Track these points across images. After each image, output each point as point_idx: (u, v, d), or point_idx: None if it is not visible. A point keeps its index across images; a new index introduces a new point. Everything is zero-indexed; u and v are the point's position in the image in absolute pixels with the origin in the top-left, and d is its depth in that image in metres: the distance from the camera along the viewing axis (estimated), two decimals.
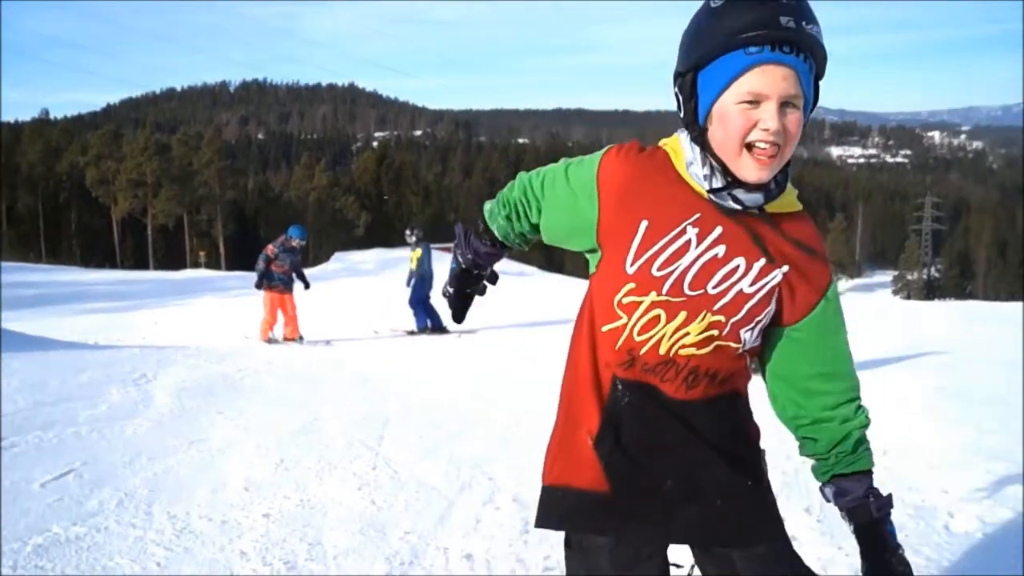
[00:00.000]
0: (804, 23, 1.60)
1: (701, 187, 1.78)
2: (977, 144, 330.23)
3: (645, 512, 1.89)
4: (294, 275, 14.27)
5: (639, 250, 1.79)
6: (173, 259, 75.22)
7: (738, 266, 1.78)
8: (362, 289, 25.92)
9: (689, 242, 1.77)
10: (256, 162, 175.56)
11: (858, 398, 1.91)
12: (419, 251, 15.20)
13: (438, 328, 14.86)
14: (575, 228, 1.93)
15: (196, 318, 19.50)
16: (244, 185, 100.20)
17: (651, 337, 1.82)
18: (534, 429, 7.06)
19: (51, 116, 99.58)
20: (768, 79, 1.62)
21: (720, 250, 1.77)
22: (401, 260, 31.29)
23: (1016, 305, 23.94)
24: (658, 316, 1.80)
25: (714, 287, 1.78)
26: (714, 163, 1.74)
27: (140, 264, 74.34)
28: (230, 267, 64.76)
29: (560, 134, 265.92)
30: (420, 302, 15.03)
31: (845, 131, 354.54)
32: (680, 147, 1.83)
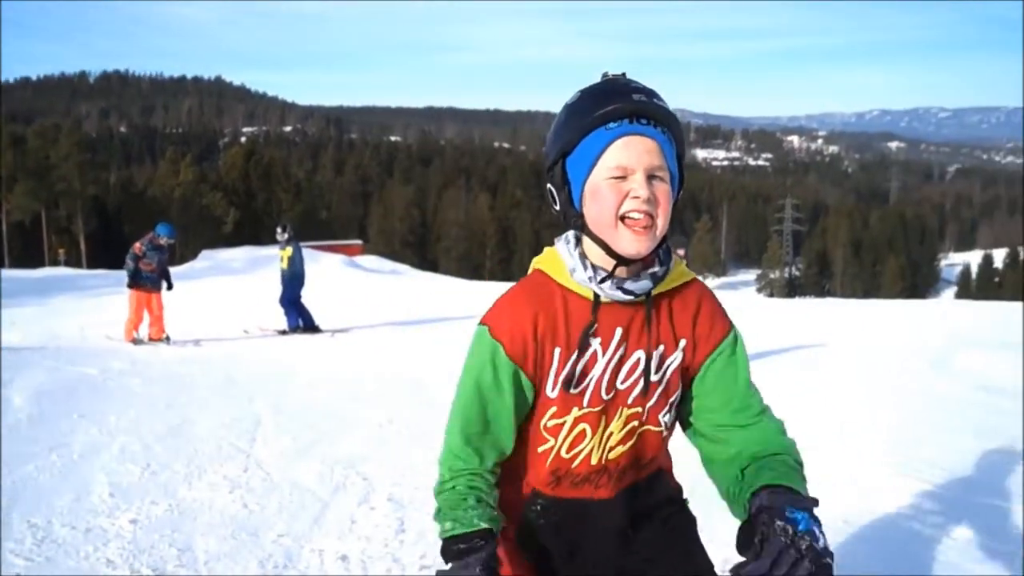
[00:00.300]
0: (654, 99, 1.73)
1: (588, 291, 1.83)
2: (833, 148, 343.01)
3: None
4: (162, 274, 13.88)
5: (555, 376, 1.85)
6: (30, 256, 72.35)
7: (639, 359, 1.86)
8: (231, 288, 25.38)
9: (595, 353, 1.84)
10: (119, 156, 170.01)
11: (758, 419, 1.90)
12: (289, 249, 14.94)
13: (310, 327, 14.65)
14: (515, 396, 1.87)
15: (55, 318, 18.81)
16: (106, 180, 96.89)
17: (580, 451, 1.90)
18: (408, 428, 7.05)
19: None
20: (632, 151, 1.71)
21: (621, 349, 1.85)
22: (271, 258, 30.77)
23: (873, 303, 24.84)
24: (583, 431, 1.88)
25: (622, 383, 1.87)
26: (593, 263, 1.81)
27: None
28: (91, 265, 62.65)
29: (432, 132, 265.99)
30: (292, 301, 14.76)
31: (709, 134, 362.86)
32: (558, 258, 1.88)
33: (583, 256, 1.82)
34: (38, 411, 7.33)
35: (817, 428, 7.00)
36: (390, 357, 11.55)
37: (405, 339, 13.43)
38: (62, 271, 43.71)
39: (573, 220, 1.81)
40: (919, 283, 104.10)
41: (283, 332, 14.61)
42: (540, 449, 1.91)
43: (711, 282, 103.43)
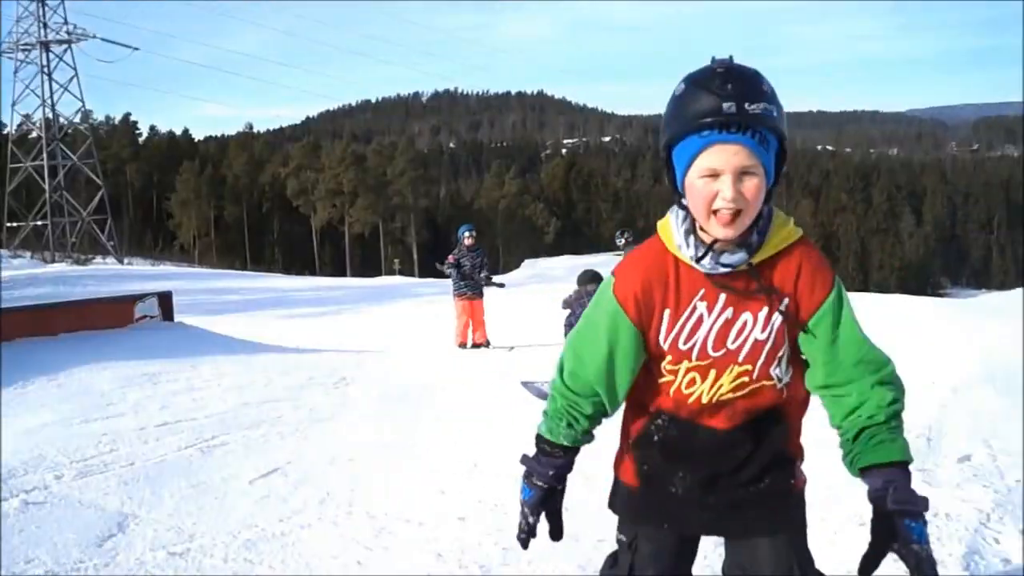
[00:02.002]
0: (746, 104, 1.88)
1: (690, 261, 2.06)
2: None
3: (664, 509, 2.26)
4: (481, 277, 14.29)
5: (666, 333, 2.11)
6: (369, 266, 77.78)
7: (746, 321, 2.08)
8: (553, 295, 26.02)
9: (701, 316, 2.09)
10: (448, 170, 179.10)
11: (887, 381, 2.10)
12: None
13: None
14: (625, 345, 2.15)
15: (392, 324, 20.02)
16: (436, 194, 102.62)
17: (693, 391, 2.13)
18: None
19: (254, 130, 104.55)
20: (720, 156, 1.91)
21: (728, 312, 2.08)
22: (591, 267, 31.29)
23: None
24: (694, 378, 2.12)
25: (733, 343, 2.09)
26: (695, 238, 2.05)
27: (338, 271, 77.14)
28: (423, 274, 66.34)
29: None
30: None
31: None
32: (670, 229, 2.12)
33: (688, 232, 2.06)
34: (377, 410, 7.79)
35: None
36: None
37: None
38: (398, 280, 46.70)
39: (677, 200, 2.07)
40: None
41: None
42: (662, 381, 2.17)
43: None
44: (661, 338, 2.11)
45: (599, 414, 2.26)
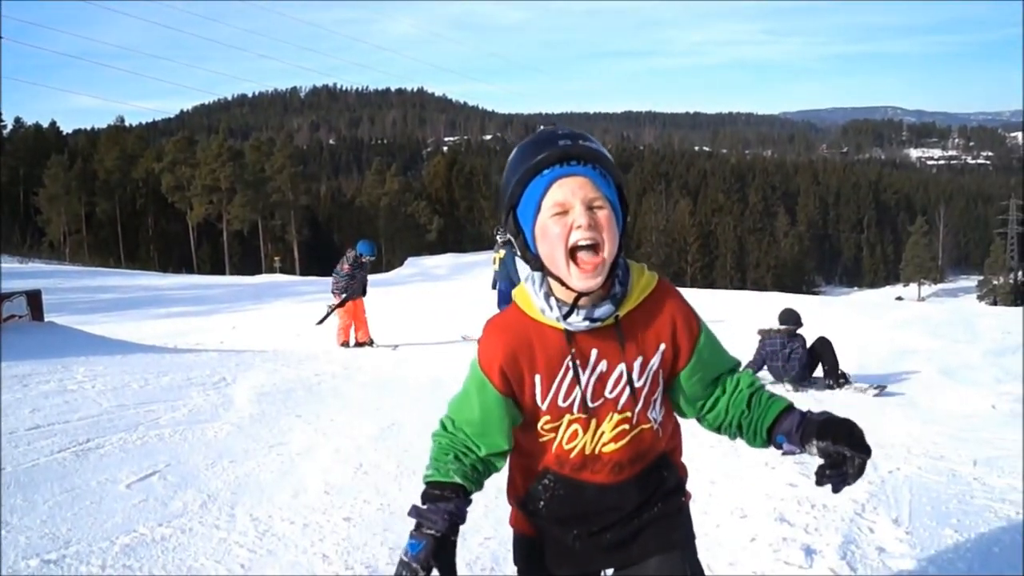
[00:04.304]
0: (580, 140, 1.96)
1: (558, 324, 2.06)
2: None
3: (562, 556, 2.26)
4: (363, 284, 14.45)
5: (542, 395, 2.11)
6: (248, 264, 76.42)
7: (621, 372, 2.10)
8: (435, 293, 26.04)
9: (576, 374, 2.08)
10: (328, 167, 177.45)
11: (733, 370, 2.24)
12: (503, 252, 15.22)
13: None
14: (497, 412, 2.14)
15: (272, 322, 19.76)
16: (316, 191, 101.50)
17: (575, 445, 2.15)
18: None
19: (126, 123, 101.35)
20: (567, 189, 1.94)
21: (603, 365, 2.09)
22: (474, 265, 31.43)
23: None
24: (576, 431, 2.14)
25: (611, 392, 2.11)
26: (556, 298, 2.05)
27: (216, 269, 75.62)
28: (304, 272, 65.63)
29: (630, 137, 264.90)
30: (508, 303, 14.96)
31: (923, 132, 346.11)
32: (527, 297, 2.13)
33: (548, 295, 2.06)
34: (259, 411, 7.69)
35: None
36: None
37: None
38: (278, 278, 46.06)
39: (532, 262, 2.05)
40: None
41: None
42: (542, 440, 2.17)
43: (927, 289, 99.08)
44: (538, 400, 2.11)
45: (488, 457, 2.20)
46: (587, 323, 2.03)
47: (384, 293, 14.75)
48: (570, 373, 2.08)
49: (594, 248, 1.94)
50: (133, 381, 8.64)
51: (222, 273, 67.97)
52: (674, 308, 2.14)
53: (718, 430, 2.25)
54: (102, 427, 6.71)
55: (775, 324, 10.43)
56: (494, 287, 15.62)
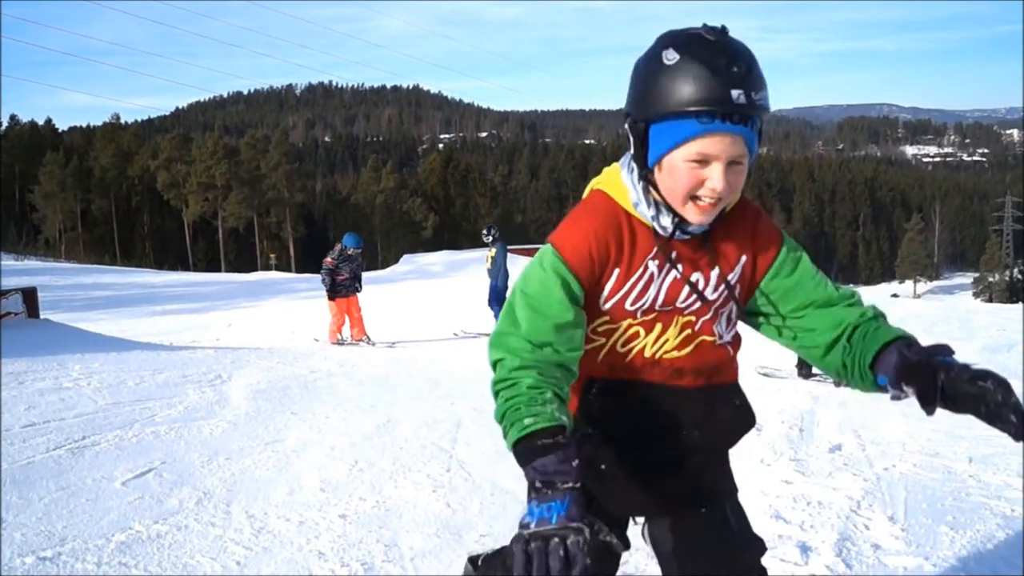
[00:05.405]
0: (753, 93, 1.71)
1: (649, 223, 1.93)
2: None
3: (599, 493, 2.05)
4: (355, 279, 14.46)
5: (611, 293, 1.95)
6: (244, 261, 76.38)
7: (697, 280, 1.97)
8: (432, 291, 26.02)
9: (652, 275, 1.94)
10: (323, 164, 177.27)
11: (838, 300, 2.00)
12: (494, 250, 15.19)
13: None
14: (581, 312, 1.93)
15: (268, 320, 19.75)
16: (312, 188, 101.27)
17: (633, 347, 2.01)
18: None
19: (122, 120, 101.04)
20: (717, 146, 1.73)
21: (679, 270, 1.95)
22: (470, 262, 31.40)
23: None
24: (637, 332, 2.00)
25: (682, 301, 1.98)
26: (659, 201, 1.89)
27: (212, 266, 75.56)
28: (300, 269, 65.51)
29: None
30: (499, 303, 14.92)
31: (919, 129, 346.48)
32: (622, 185, 1.96)
33: (646, 190, 1.90)
34: (255, 408, 7.67)
35: None
36: None
37: None
38: (273, 275, 46.02)
39: (643, 173, 1.88)
40: None
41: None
42: (590, 347, 2.00)
43: (922, 286, 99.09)
44: (602, 299, 1.96)
45: (568, 377, 1.90)
46: (679, 233, 1.91)
47: (380, 290, 14.74)
48: (647, 273, 1.94)
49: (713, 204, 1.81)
50: (128, 378, 8.62)
51: (218, 270, 67.86)
52: (756, 222, 2.03)
53: (825, 367, 2.01)
54: (97, 424, 6.70)
55: None
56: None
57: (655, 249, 1.93)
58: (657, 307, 1.96)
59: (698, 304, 1.98)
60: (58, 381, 8.30)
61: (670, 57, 1.74)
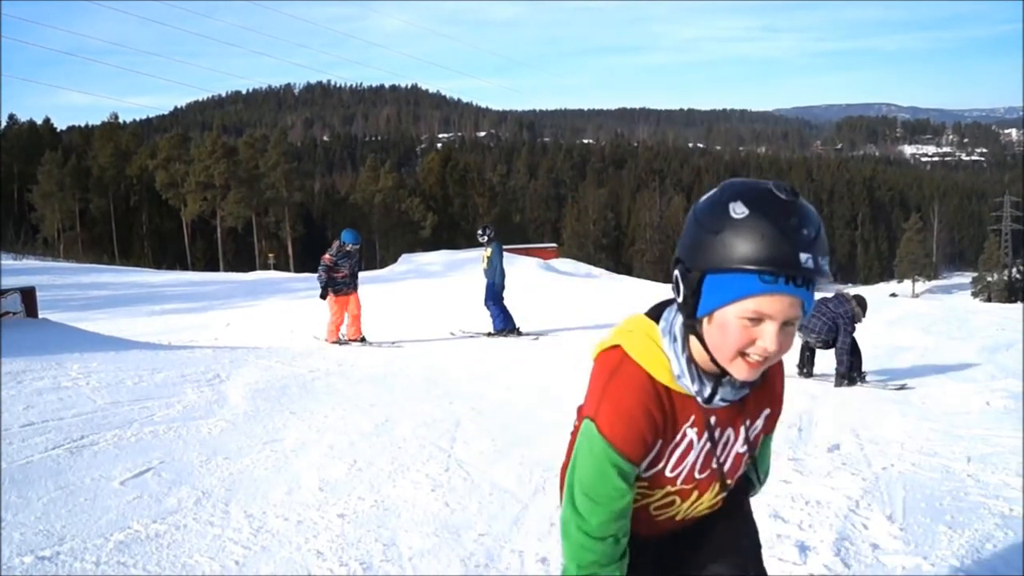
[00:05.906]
0: (820, 258, 1.67)
1: (689, 392, 1.89)
2: None
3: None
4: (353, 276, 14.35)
5: (653, 462, 1.96)
6: (242, 260, 76.25)
7: (729, 436, 2.00)
8: (430, 291, 26.00)
9: (691, 442, 1.95)
10: (322, 164, 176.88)
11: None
12: (490, 250, 15.15)
13: (511, 330, 14.75)
14: (632, 491, 1.96)
15: (266, 319, 19.72)
16: (311, 187, 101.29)
17: (666, 512, 2.07)
18: None
19: (120, 120, 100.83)
20: (776, 306, 1.68)
21: (715, 433, 1.97)
22: (468, 261, 31.40)
23: None
24: (673, 500, 2.04)
25: (717, 462, 2.01)
26: (697, 364, 1.86)
27: (210, 266, 75.47)
28: (298, 268, 65.44)
29: (625, 134, 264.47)
30: (495, 302, 14.91)
31: (918, 129, 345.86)
32: (661, 357, 1.89)
33: (690, 360, 1.86)
34: (253, 407, 7.67)
35: None
36: (588, 362, 11.52)
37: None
38: (272, 274, 45.92)
39: (689, 323, 1.82)
40: None
41: (490, 334, 14.77)
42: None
43: (921, 285, 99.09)
44: (642, 467, 1.95)
45: (624, 549, 2.00)
46: (720, 402, 1.90)
47: (378, 289, 14.70)
48: (685, 440, 1.94)
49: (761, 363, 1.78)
50: (127, 378, 8.62)
51: (216, 270, 67.75)
52: (780, 378, 2.09)
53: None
54: (96, 424, 6.70)
55: None
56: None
57: (692, 417, 1.93)
58: (696, 474, 1.99)
59: (731, 460, 2.04)
60: (56, 380, 8.30)
61: (739, 211, 1.68)
